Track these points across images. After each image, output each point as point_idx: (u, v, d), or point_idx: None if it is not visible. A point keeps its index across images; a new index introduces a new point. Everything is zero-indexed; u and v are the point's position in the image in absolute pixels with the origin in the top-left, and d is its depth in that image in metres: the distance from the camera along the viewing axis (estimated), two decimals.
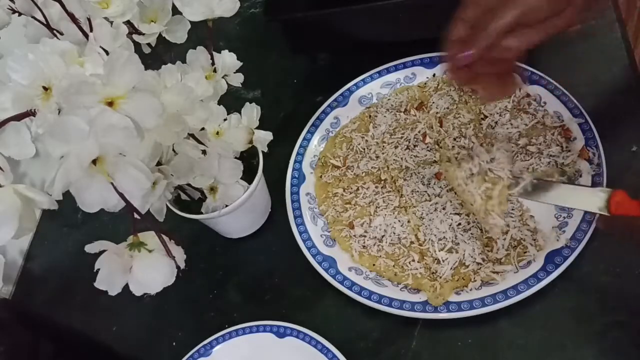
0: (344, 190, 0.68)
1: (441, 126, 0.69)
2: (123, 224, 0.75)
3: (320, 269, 0.62)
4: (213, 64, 0.59)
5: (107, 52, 0.49)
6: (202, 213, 0.61)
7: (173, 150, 0.55)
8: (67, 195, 0.40)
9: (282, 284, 0.66)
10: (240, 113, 0.61)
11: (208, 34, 0.58)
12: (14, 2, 0.54)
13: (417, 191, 0.65)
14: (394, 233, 0.63)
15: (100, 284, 0.47)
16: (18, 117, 0.43)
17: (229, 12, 0.57)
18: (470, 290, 0.57)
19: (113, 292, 0.48)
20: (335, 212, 0.67)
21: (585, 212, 0.57)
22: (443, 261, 0.59)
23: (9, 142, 0.44)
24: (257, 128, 0.62)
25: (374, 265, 0.62)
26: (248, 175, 0.61)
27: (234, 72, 0.62)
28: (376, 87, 0.75)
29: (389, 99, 0.74)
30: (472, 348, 0.56)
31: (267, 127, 0.63)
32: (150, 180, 0.43)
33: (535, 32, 0.43)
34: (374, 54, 0.77)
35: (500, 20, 0.43)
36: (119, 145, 0.39)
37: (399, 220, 0.63)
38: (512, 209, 0.60)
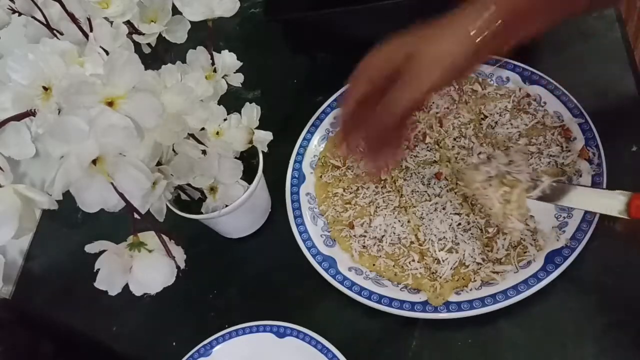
0: (344, 190, 0.68)
1: (441, 126, 0.69)
2: (123, 224, 0.75)
3: (320, 269, 0.62)
4: (213, 64, 0.59)
5: (107, 52, 0.49)
6: (202, 213, 0.61)
7: (173, 150, 0.55)
8: (67, 195, 0.40)
9: (282, 284, 0.66)
10: (240, 113, 0.61)
11: (208, 34, 0.58)
12: (14, 2, 0.54)
13: (417, 191, 0.65)
14: (394, 233, 0.63)
15: (100, 284, 0.47)
16: (18, 117, 0.43)
17: (229, 12, 0.57)
18: (470, 290, 0.57)
19: (113, 292, 0.48)
20: (335, 212, 0.67)
21: (585, 212, 0.57)
22: (443, 261, 0.59)
23: (9, 142, 0.44)
24: (257, 128, 0.62)
25: (374, 265, 0.62)
26: (248, 175, 0.61)
27: (234, 72, 0.62)
28: None
29: None
30: (472, 348, 0.56)
31: (267, 127, 0.63)
32: (150, 180, 0.43)
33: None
34: None
35: (398, 106, 0.44)
36: (119, 145, 0.39)
37: (399, 220, 0.63)
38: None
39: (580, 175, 0.60)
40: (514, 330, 0.55)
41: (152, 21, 0.59)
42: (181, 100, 0.48)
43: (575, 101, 0.65)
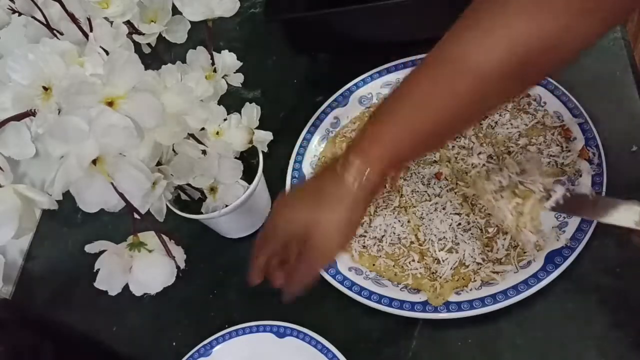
0: None
1: None
2: (123, 224, 0.75)
3: None
4: (213, 64, 0.59)
5: (107, 52, 0.49)
6: (202, 213, 0.61)
7: (173, 150, 0.55)
8: (67, 195, 0.40)
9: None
10: (240, 113, 0.61)
11: (208, 34, 0.58)
12: (14, 2, 0.54)
13: (417, 191, 0.65)
14: (394, 233, 0.63)
15: (100, 284, 0.47)
16: (18, 117, 0.43)
17: (229, 12, 0.57)
18: (470, 290, 0.57)
19: (113, 292, 0.48)
20: None
21: None
22: (443, 261, 0.59)
23: (9, 142, 0.44)
24: (257, 128, 0.62)
25: (374, 265, 0.62)
26: (248, 175, 0.61)
27: (234, 72, 0.62)
28: (376, 87, 0.75)
29: None
30: (472, 348, 0.56)
31: (267, 127, 0.63)
32: (150, 180, 0.43)
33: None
34: (374, 54, 0.77)
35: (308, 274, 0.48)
36: (119, 145, 0.39)
37: (399, 220, 0.63)
38: None
39: (580, 175, 0.60)
40: (514, 330, 0.55)
41: (152, 21, 0.59)
42: (181, 100, 0.48)
43: (575, 101, 0.65)
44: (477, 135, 0.67)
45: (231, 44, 0.88)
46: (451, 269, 0.58)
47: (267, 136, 0.63)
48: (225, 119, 0.59)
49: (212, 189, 0.60)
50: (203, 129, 0.56)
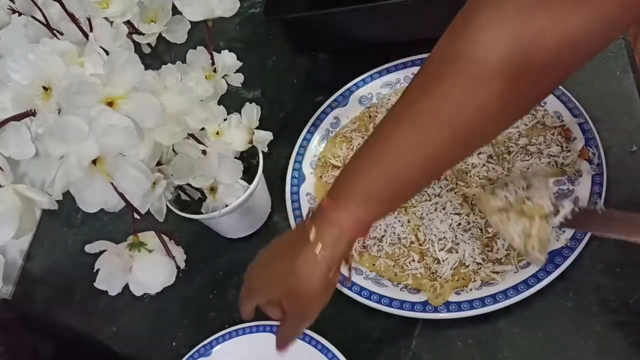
0: None
1: None
2: (123, 224, 0.75)
3: None
4: (213, 64, 0.59)
5: (107, 52, 0.49)
6: (202, 213, 0.61)
7: (173, 150, 0.55)
8: (67, 195, 0.40)
9: None
10: (240, 113, 0.61)
11: (208, 34, 0.58)
12: (14, 2, 0.54)
13: None
14: (394, 233, 0.63)
15: (100, 284, 0.47)
16: (18, 117, 0.43)
17: (229, 12, 0.57)
18: (470, 290, 0.57)
19: (113, 292, 0.48)
20: None
21: None
22: (443, 261, 0.59)
23: (9, 142, 0.44)
24: (257, 128, 0.62)
25: (374, 265, 0.62)
26: (248, 175, 0.61)
27: (234, 72, 0.62)
28: (376, 87, 0.75)
29: (389, 99, 0.74)
30: (472, 348, 0.56)
31: (267, 127, 0.63)
32: (150, 180, 0.43)
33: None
34: (374, 54, 0.77)
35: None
36: (119, 145, 0.39)
37: (399, 220, 0.63)
38: None
39: (580, 175, 0.60)
40: (514, 330, 0.55)
41: (152, 21, 0.59)
42: (181, 100, 0.48)
43: (575, 101, 0.65)
44: None
45: (231, 44, 0.88)
46: (451, 269, 0.58)
47: (267, 136, 0.63)
48: (225, 119, 0.59)
49: (212, 189, 0.60)
50: (203, 129, 0.56)
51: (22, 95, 0.43)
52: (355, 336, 0.59)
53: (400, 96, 0.43)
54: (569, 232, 0.57)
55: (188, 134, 0.52)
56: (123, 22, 0.54)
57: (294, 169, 0.71)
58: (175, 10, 0.57)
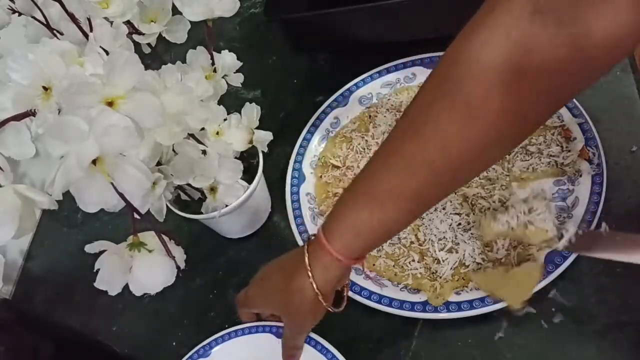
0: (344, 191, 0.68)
1: None
2: (123, 224, 0.75)
3: None
4: (213, 64, 0.59)
5: (107, 52, 0.49)
6: (202, 213, 0.61)
7: (173, 150, 0.55)
8: (67, 195, 0.40)
9: None
10: (240, 113, 0.61)
11: (208, 34, 0.58)
12: (14, 2, 0.54)
13: None
14: None
15: (100, 284, 0.47)
16: (18, 117, 0.43)
17: (229, 12, 0.57)
18: (470, 290, 0.57)
19: (113, 292, 0.48)
20: None
21: (585, 212, 0.57)
22: (443, 261, 0.59)
23: (9, 142, 0.44)
24: (257, 128, 0.62)
25: (374, 265, 0.62)
26: (248, 175, 0.61)
27: (234, 72, 0.62)
28: (376, 87, 0.75)
29: (389, 99, 0.74)
30: (472, 348, 0.56)
31: (267, 127, 0.63)
32: (150, 180, 0.43)
33: None
34: (374, 54, 0.77)
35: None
36: (119, 145, 0.39)
37: None
38: None
39: (580, 175, 0.60)
40: (514, 330, 0.55)
41: (152, 21, 0.59)
42: (181, 100, 0.48)
43: (575, 101, 0.65)
44: None
45: (231, 44, 0.88)
46: (451, 269, 0.58)
47: (267, 136, 0.63)
48: (225, 119, 0.59)
49: (212, 189, 0.60)
50: (203, 129, 0.56)
51: (22, 95, 0.43)
52: (355, 336, 0.59)
53: (414, 98, 0.44)
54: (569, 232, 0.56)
55: (188, 134, 0.52)
56: (123, 22, 0.54)
57: (294, 169, 0.71)
58: (175, 10, 0.57)
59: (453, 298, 0.57)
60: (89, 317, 0.69)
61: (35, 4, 0.52)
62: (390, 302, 0.58)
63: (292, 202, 0.68)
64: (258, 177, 0.62)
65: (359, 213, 0.46)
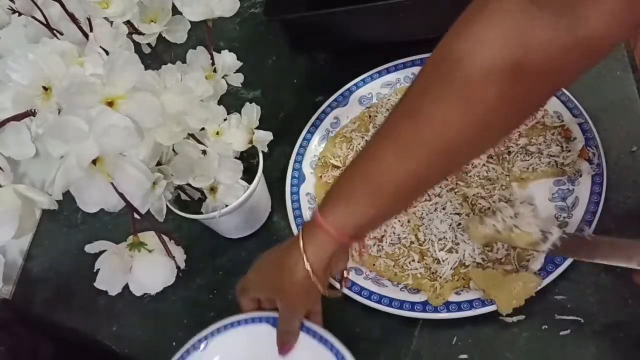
0: None
1: None
2: (123, 224, 0.75)
3: None
4: (213, 64, 0.59)
5: (107, 52, 0.49)
6: (202, 213, 0.61)
7: (173, 150, 0.55)
8: (67, 195, 0.40)
9: None
10: (240, 113, 0.61)
11: (208, 34, 0.58)
12: (14, 2, 0.54)
13: None
14: (394, 233, 0.63)
15: (100, 284, 0.47)
16: (18, 117, 0.43)
17: (229, 12, 0.57)
18: (471, 290, 0.57)
19: (113, 292, 0.48)
20: None
21: (585, 212, 0.57)
22: (443, 261, 0.59)
23: (9, 142, 0.44)
24: (257, 128, 0.62)
25: (374, 265, 0.62)
26: (248, 175, 0.61)
27: (234, 72, 0.62)
28: (376, 87, 0.75)
29: (389, 99, 0.74)
30: (472, 348, 0.56)
31: (267, 127, 0.63)
32: (150, 180, 0.43)
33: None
34: (374, 54, 0.77)
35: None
36: (119, 145, 0.39)
37: (399, 220, 0.63)
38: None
39: (580, 175, 0.60)
40: (513, 330, 0.55)
41: (152, 21, 0.59)
42: (181, 100, 0.48)
43: (575, 101, 0.65)
44: None
45: (231, 44, 0.88)
46: (451, 269, 0.58)
47: (267, 136, 0.63)
48: (225, 119, 0.59)
49: (212, 189, 0.60)
50: (203, 129, 0.56)
51: (22, 95, 0.43)
52: (355, 336, 0.59)
53: (404, 94, 0.44)
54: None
55: (188, 134, 0.52)
56: (123, 22, 0.54)
57: (294, 169, 0.71)
58: (175, 10, 0.57)
59: (453, 298, 0.57)
60: (89, 317, 0.69)
61: (35, 4, 0.52)
62: (390, 302, 0.58)
63: (292, 202, 0.68)
64: (258, 177, 0.62)
65: (354, 191, 0.46)
